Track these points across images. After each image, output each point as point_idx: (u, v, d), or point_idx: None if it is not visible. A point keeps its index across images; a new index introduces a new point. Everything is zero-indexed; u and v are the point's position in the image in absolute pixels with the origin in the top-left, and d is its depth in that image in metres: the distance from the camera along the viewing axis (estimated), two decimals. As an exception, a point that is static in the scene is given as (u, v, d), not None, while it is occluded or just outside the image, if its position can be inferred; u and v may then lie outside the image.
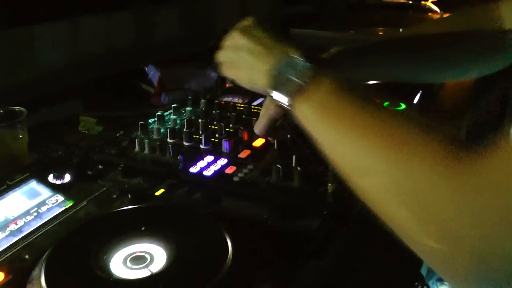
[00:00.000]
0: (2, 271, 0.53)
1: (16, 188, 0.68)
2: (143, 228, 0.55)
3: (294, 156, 0.71)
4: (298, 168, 0.67)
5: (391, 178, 0.40)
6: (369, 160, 0.42)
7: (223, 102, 0.98)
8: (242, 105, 0.95)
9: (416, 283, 0.61)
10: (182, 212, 0.59)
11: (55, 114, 1.14)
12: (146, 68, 1.22)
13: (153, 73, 1.24)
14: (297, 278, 0.50)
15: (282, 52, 0.52)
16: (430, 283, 0.92)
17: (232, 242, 0.52)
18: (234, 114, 0.90)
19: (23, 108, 0.81)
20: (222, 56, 0.60)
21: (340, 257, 0.57)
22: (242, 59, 0.56)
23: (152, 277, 0.48)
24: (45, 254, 0.53)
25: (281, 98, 0.50)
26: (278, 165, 0.68)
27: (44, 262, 0.50)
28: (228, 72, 0.60)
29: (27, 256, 0.55)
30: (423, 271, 0.65)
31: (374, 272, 0.59)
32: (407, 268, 0.60)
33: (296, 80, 0.48)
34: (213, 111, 0.93)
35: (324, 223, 0.58)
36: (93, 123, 1.11)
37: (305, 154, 0.71)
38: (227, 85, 1.13)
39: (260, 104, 0.97)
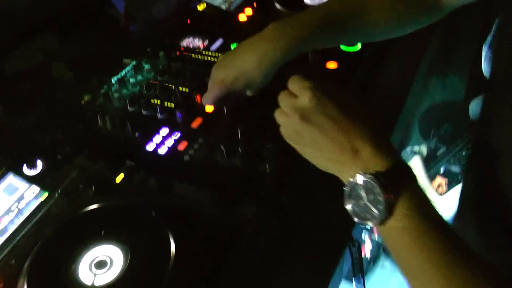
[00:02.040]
0: (-6, 280, 0.65)
1: (-7, 185, 0.77)
2: (102, 232, 0.65)
3: (238, 130, 0.77)
4: (240, 147, 0.74)
5: None
6: None
7: (182, 50, 1.01)
8: (199, 55, 0.98)
9: (348, 243, 0.71)
10: (134, 211, 0.68)
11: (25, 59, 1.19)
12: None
13: (117, 1, 1.24)
14: (228, 273, 0.61)
15: (356, 163, 0.50)
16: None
17: (175, 241, 0.62)
18: (191, 67, 0.94)
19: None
20: (288, 122, 0.56)
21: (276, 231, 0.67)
22: (309, 141, 0.54)
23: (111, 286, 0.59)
24: (25, 265, 0.64)
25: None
26: (221, 146, 0.75)
27: (26, 275, 0.62)
28: (295, 145, 0.57)
29: (13, 262, 0.67)
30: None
31: (308, 238, 0.69)
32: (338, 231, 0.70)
33: (369, 208, 0.48)
34: (172, 64, 0.97)
35: (259, 211, 0.67)
36: (65, 70, 1.17)
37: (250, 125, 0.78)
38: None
39: (218, 50, 1.00)
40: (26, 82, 1.15)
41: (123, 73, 0.97)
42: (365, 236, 1.62)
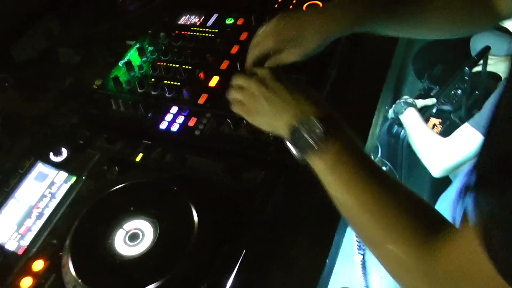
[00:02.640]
0: (41, 259, 0.74)
1: (27, 175, 0.85)
2: (131, 208, 0.73)
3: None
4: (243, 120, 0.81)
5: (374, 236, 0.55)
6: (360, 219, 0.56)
7: (180, 28, 1.07)
8: (197, 32, 1.04)
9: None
10: (157, 187, 0.76)
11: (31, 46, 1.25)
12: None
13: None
14: (246, 234, 0.69)
15: (299, 110, 0.62)
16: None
17: (196, 211, 0.70)
18: (191, 45, 1.00)
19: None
20: (237, 96, 0.71)
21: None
22: (261, 108, 0.67)
23: (143, 256, 0.68)
24: (67, 242, 0.72)
25: (295, 150, 0.62)
26: (228, 120, 0.82)
27: (69, 251, 0.70)
28: (244, 114, 0.71)
29: (54, 241, 0.75)
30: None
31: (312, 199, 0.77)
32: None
33: (310, 140, 0.59)
34: (173, 43, 1.03)
35: (267, 176, 0.74)
36: (72, 54, 1.22)
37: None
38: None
39: (213, 25, 1.05)
40: (36, 68, 1.21)
41: (128, 55, 1.02)
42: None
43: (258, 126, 0.70)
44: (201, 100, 0.89)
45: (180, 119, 0.87)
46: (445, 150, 1.38)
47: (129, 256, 0.68)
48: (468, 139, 1.33)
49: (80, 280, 0.66)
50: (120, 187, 0.77)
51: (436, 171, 1.41)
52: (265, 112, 0.66)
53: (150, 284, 0.63)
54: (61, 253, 0.72)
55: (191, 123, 0.86)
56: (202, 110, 0.87)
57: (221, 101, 0.87)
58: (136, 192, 0.76)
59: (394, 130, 1.64)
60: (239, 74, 0.73)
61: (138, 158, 0.83)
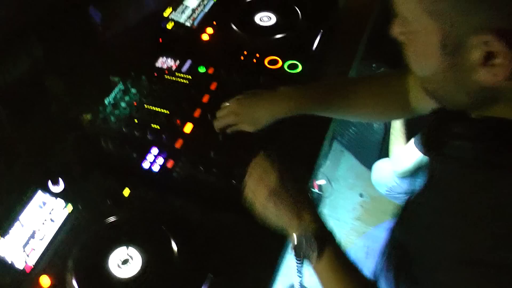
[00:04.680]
0: (47, 276, 0.93)
1: (29, 201, 1.02)
2: (123, 238, 0.94)
3: (211, 153, 1.05)
4: (215, 166, 1.02)
5: None
6: None
7: (159, 71, 1.25)
8: (173, 76, 1.23)
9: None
10: (143, 222, 0.96)
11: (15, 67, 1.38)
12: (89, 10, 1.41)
13: (95, 14, 1.43)
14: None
15: (301, 226, 0.77)
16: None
17: (175, 243, 0.91)
18: (169, 90, 1.20)
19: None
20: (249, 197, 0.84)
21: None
22: (269, 214, 0.80)
23: (133, 278, 0.89)
24: (69, 263, 0.92)
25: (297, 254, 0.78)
26: (200, 167, 1.03)
27: (72, 271, 0.90)
28: (258, 211, 0.83)
29: (58, 262, 0.94)
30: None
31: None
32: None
33: (307, 252, 0.76)
34: (153, 86, 1.22)
35: (236, 219, 0.96)
36: (56, 80, 1.38)
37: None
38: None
39: (188, 71, 1.25)
40: (22, 92, 1.35)
41: (113, 95, 1.20)
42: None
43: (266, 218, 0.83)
44: (178, 145, 1.10)
45: (160, 160, 1.07)
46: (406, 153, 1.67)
47: (122, 278, 0.89)
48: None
49: (82, 295, 0.86)
50: (113, 220, 0.97)
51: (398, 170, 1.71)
52: (273, 217, 0.81)
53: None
54: (65, 273, 0.91)
55: (169, 165, 1.06)
56: (179, 154, 1.08)
57: (195, 147, 1.08)
58: (126, 224, 0.96)
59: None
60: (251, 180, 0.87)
61: (126, 193, 1.03)
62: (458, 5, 0.51)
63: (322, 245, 0.76)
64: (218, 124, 1.06)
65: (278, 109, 1.00)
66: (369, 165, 2.17)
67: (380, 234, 1.16)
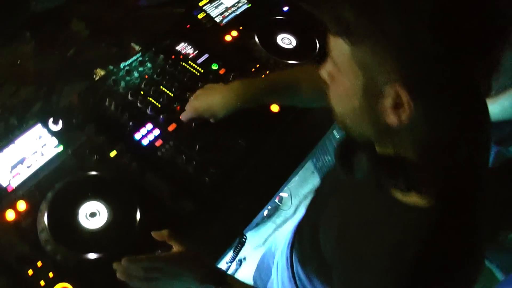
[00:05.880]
0: (24, 201, 1.05)
1: (28, 130, 1.14)
2: (97, 191, 1.07)
3: (197, 146, 1.19)
4: (195, 159, 1.16)
5: None
6: None
7: (177, 54, 1.37)
8: (187, 65, 1.35)
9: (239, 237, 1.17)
10: (119, 183, 1.09)
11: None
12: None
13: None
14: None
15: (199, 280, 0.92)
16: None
17: (140, 211, 1.05)
18: (179, 76, 1.32)
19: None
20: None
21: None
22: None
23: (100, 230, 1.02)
24: (48, 196, 1.04)
25: None
26: (183, 156, 1.16)
27: (48, 204, 1.03)
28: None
29: (37, 193, 1.07)
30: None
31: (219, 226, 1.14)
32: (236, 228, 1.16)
33: None
34: (167, 67, 1.34)
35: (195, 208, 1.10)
36: (83, 27, 1.49)
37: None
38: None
39: (202, 64, 1.37)
40: (50, 25, 1.46)
41: (130, 61, 1.32)
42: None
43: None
44: (171, 128, 1.22)
45: (151, 136, 1.20)
46: None
47: (85, 227, 1.02)
48: None
49: (48, 229, 0.99)
50: (94, 174, 1.10)
51: None
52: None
53: (96, 252, 0.97)
54: (40, 205, 1.04)
55: (158, 143, 1.19)
56: (169, 136, 1.21)
57: (184, 136, 1.21)
58: (104, 181, 1.09)
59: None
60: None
61: (112, 154, 1.16)
62: (378, 58, 0.61)
63: (221, 285, 0.92)
64: (182, 118, 1.21)
65: (232, 101, 1.14)
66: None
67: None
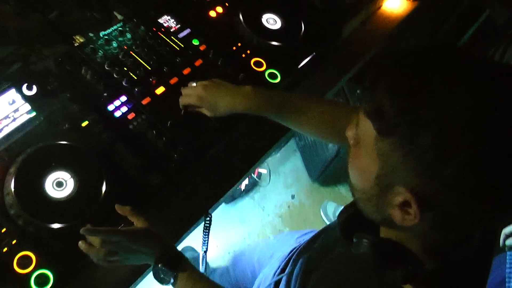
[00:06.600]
0: (-9, 165, 1.07)
1: (2, 94, 1.14)
2: (65, 161, 1.08)
3: (169, 122, 1.20)
4: (166, 135, 1.17)
5: None
6: None
7: (158, 26, 1.36)
8: (168, 39, 1.35)
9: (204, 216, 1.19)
10: (88, 154, 1.11)
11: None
12: None
13: None
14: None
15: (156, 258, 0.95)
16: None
17: (106, 181, 1.07)
18: (159, 49, 1.32)
19: None
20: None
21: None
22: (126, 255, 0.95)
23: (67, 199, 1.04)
24: (19, 159, 1.06)
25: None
26: (154, 131, 1.17)
27: (16, 169, 1.04)
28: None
29: (6, 158, 1.08)
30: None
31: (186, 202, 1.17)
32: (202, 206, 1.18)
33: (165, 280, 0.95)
34: (147, 39, 1.33)
35: (161, 182, 1.12)
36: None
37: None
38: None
39: (183, 39, 1.37)
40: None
41: (110, 30, 1.32)
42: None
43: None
44: (145, 102, 1.23)
45: (124, 109, 1.21)
46: None
47: (51, 195, 1.04)
48: None
49: (13, 193, 1.01)
50: (63, 144, 1.11)
51: None
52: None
53: (60, 222, 1.00)
54: (8, 169, 1.06)
55: (130, 116, 1.20)
56: (142, 110, 1.22)
57: (157, 111, 1.22)
58: (73, 150, 1.11)
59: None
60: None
61: (84, 124, 1.16)
62: (396, 158, 0.59)
63: (175, 269, 0.94)
64: (181, 101, 1.18)
65: (238, 105, 1.12)
66: (311, 174, 2.36)
67: (289, 241, 1.34)
